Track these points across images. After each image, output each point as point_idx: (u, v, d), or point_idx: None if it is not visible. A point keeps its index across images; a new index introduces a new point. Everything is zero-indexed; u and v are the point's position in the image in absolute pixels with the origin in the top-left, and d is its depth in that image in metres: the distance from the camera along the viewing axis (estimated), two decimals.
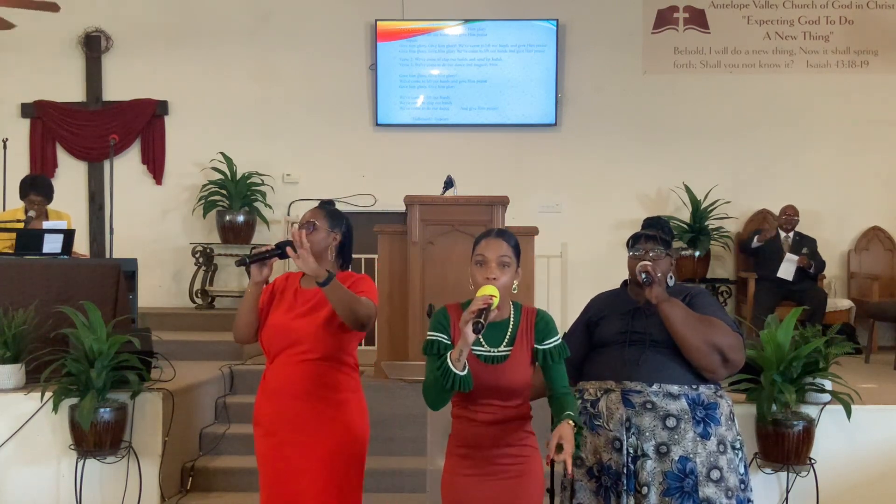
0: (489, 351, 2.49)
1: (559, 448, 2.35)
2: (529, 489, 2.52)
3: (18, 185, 5.98)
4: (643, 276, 2.79)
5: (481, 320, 2.31)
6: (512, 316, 2.55)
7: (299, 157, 7.95)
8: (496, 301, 2.38)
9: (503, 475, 2.49)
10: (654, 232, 2.95)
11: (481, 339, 2.48)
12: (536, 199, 7.72)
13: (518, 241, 2.59)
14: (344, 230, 2.92)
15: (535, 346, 2.51)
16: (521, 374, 2.50)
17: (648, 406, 2.75)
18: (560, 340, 2.54)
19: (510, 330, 2.53)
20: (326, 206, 2.95)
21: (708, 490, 2.69)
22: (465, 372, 2.37)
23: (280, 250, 2.74)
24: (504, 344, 2.51)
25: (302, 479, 2.75)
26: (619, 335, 2.87)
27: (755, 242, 7.18)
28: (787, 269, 6.91)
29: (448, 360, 2.36)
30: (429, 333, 2.52)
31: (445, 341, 2.48)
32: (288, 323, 2.80)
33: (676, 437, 2.72)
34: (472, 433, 2.51)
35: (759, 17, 7.90)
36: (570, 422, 2.41)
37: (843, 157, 7.80)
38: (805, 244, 7.09)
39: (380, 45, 7.88)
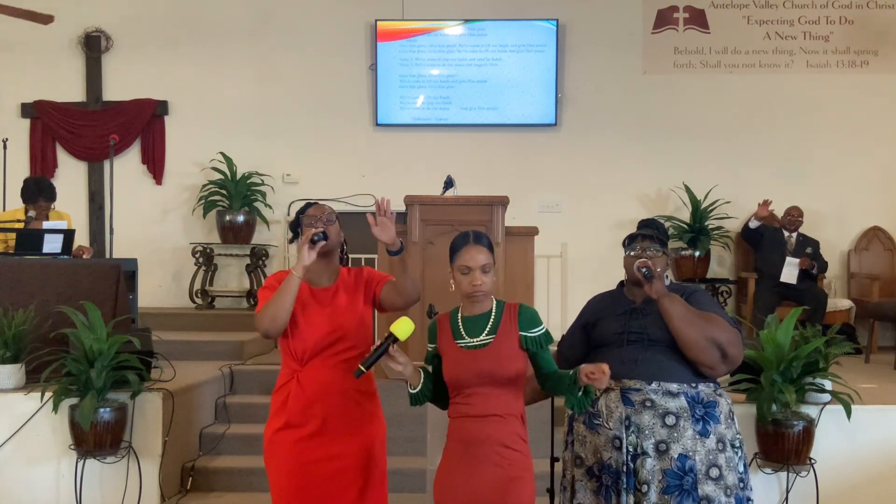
0: (470, 341, 2.59)
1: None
2: (520, 491, 2.52)
3: (22, 187, 5.98)
4: (644, 270, 2.80)
5: (362, 368, 2.54)
6: (493, 309, 2.63)
7: (299, 157, 7.95)
8: (406, 332, 2.52)
9: (493, 476, 2.51)
10: (651, 231, 2.96)
11: (462, 331, 2.62)
12: (536, 199, 7.72)
13: (490, 240, 2.70)
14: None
15: (521, 332, 2.59)
16: (507, 358, 2.55)
17: (648, 404, 2.76)
18: (545, 329, 2.64)
19: (492, 320, 2.61)
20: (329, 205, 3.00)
21: (707, 488, 2.70)
22: (416, 389, 2.63)
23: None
24: (486, 333, 2.60)
25: (342, 479, 2.78)
26: (618, 335, 2.88)
27: (753, 222, 7.21)
28: (789, 273, 6.92)
29: (408, 386, 2.62)
30: (429, 346, 2.71)
31: (434, 352, 2.69)
32: (327, 322, 2.80)
33: (676, 434, 2.73)
34: (466, 428, 2.54)
35: (759, 17, 7.90)
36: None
37: (843, 157, 7.80)
38: (808, 245, 7.10)
39: (380, 45, 7.88)
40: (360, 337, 2.83)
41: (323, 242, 2.74)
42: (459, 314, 2.66)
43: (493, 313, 2.62)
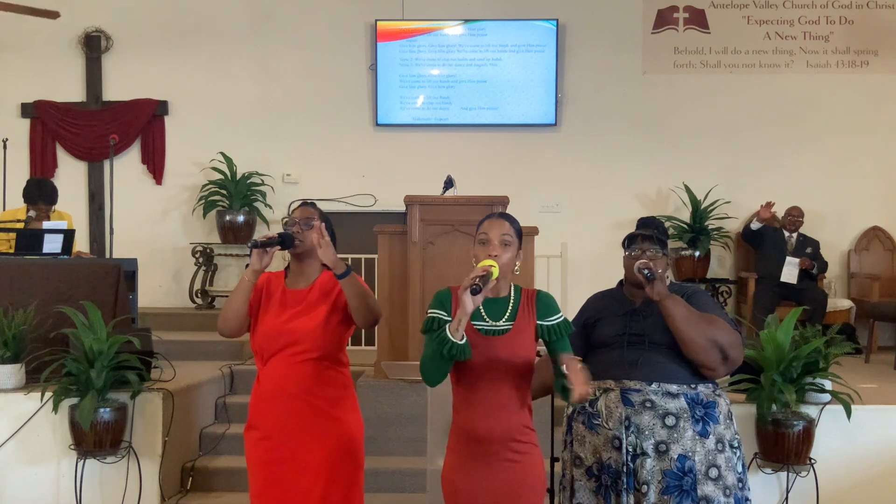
0: (491, 325, 2.53)
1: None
2: (529, 485, 2.52)
3: (24, 188, 5.99)
4: (645, 272, 2.77)
5: (479, 284, 2.35)
6: (512, 294, 2.59)
7: (299, 157, 7.95)
8: (496, 272, 2.43)
9: (503, 470, 2.49)
10: (651, 231, 2.95)
11: (483, 313, 2.54)
12: (536, 199, 7.72)
13: (520, 227, 2.63)
14: (330, 231, 2.94)
15: (539, 322, 2.55)
16: (522, 348, 2.51)
17: (648, 405, 2.76)
18: (563, 317, 2.58)
19: (510, 306, 2.57)
20: (316, 207, 2.96)
21: (707, 488, 2.70)
22: (463, 341, 2.40)
23: (284, 239, 2.72)
24: (505, 319, 2.55)
25: (302, 480, 2.75)
26: (618, 336, 2.87)
27: (754, 223, 7.20)
28: (789, 273, 6.92)
29: (447, 329, 2.40)
30: (429, 311, 2.56)
31: (445, 317, 2.51)
32: (284, 323, 2.79)
33: (675, 435, 2.73)
34: (473, 419, 2.50)
35: (759, 17, 7.90)
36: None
37: (844, 157, 7.81)
38: (808, 245, 7.11)
39: (380, 45, 7.88)
40: (316, 341, 2.76)
41: (275, 248, 2.73)
42: None
43: (512, 298, 2.58)
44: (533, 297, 2.60)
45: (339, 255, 2.92)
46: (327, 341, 2.79)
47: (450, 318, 2.50)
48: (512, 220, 2.60)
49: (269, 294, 2.86)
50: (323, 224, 2.75)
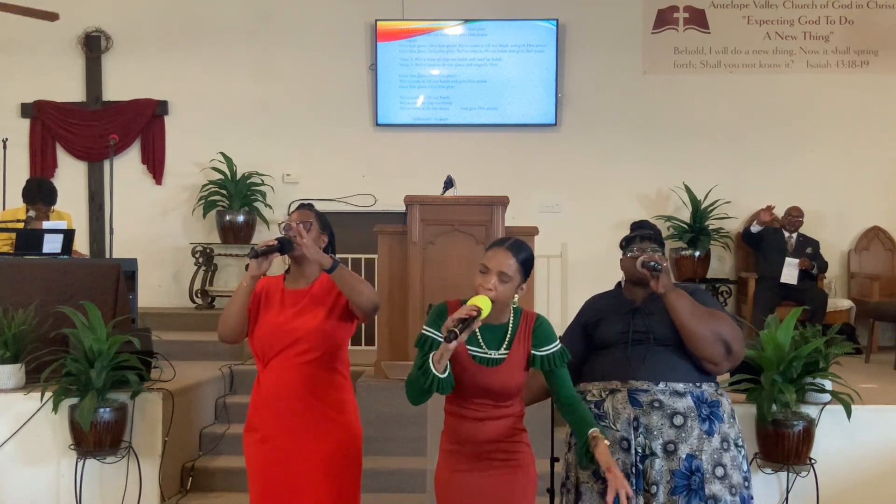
0: (486, 353, 2.50)
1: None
2: (521, 484, 2.52)
3: (23, 188, 5.99)
4: (651, 264, 2.76)
5: (455, 330, 2.29)
6: (511, 320, 2.54)
7: (299, 157, 7.95)
8: (485, 311, 2.37)
9: (495, 470, 2.50)
10: (649, 231, 2.95)
11: (479, 339, 2.49)
12: (536, 199, 7.72)
13: (531, 257, 2.54)
14: (329, 232, 2.95)
15: (533, 351, 2.51)
16: (515, 378, 2.50)
17: (656, 405, 2.75)
18: (560, 346, 2.55)
19: (509, 333, 2.53)
20: (313, 208, 2.96)
21: (714, 487, 2.70)
22: (445, 374, 2.36)
23: (283, 244, 2.74)
24: (502, 347, 2.51)
25: (302, 482, 2.74)
26: (622, 335, 2.87)
27: (754, 226, 7.20)
28: (789, 274, 6.92)
29: (430, 359, 2.36)
30: (424, 328, 2.51)
31: (439, 338, 2.45)
32: (285, 323, 2.78)
33: (683, 434, 2.72)
34: (464, 429, 2.51)
35: (759, 17, 7.90)
36: (604, 439, 2.46)
37: (843, 157, 7.80)
38: (808, 245, 7.11)
39: (380, 45, 7.88)
40: (317, 341, 2.76)
41: (276, 254, 2.73)
42: None
43: (511, 325, 2.53)
44: (531, 323, 2.54)
45: (340, 256, 2.93)
46: (327, 341, 2.78)
47: (442, 340, 2.43)
48: (519, 252, 2.49)
49: (268, 297, 2.85)
50: (300, 226, 2.74)
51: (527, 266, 2.51)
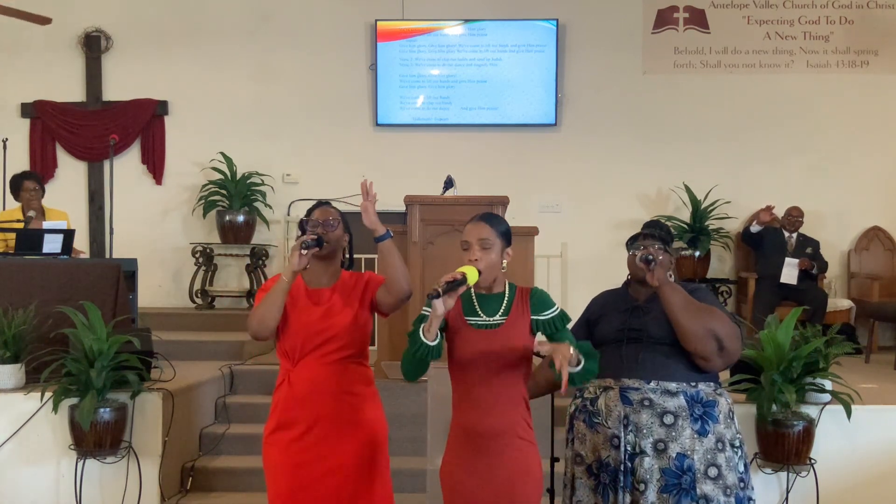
0: (485, 320, 2.59)
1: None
2: (527, 481, 2.54)
3: (10, 183, 6.00)
4: (647, 257, 2.78)
5: (439, 290, 2.41)
6: (507, 291, 2.64)
7: (299, 157, 7.95)
8: (472, 278, 2.48)
9: (501, 464, 2.52)
10: (653, 231, 2.96)
11: (477, 308, 2.60)
12: (536, 199, 7.72)
13: (504, 221, 2.67)
14: (347, 230, 2.98)
15: (533, 317, 2.59)
16: (516, 340, 2.55)
17: (646, 403, 2.76)
18: (560, 310, 2.62)
19: (505, 301, 2.61)
20: (333, 206, 2.97)
21: (706, 487, 2.70)
22: (434, 342, 2.48)
23: (319, 241, 2.74)
24: (499, 314, 2.59)
25: (332, 481, 2.75)
26: (617, 332, 2.88)
27: (754, 226, 7.20)
28: (789, 274, 6.92)
29: (420, 330, 2.48)
30: (423, 308, 2.60)
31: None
32: (318, 321, 2.79)
33: (674, 433, 2.73)
34: (472, 421, 2.53)
35: (759, 17, 7.90)
36: (571, 347, 2.43)
37: (843, 157, 7.80)
38: (808, 245, 7.11)
39: (380, 45, 7.88)
40: (351, 338, 2.80)
41: (316, 249, 2.74)
42: (473, 290, 2.62)
43: (507, 295, 2.62)
44: (527, 293, 2.64)
45: None
46: (359, 338, 2.84)
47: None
48: (493, 221, 2.64)
49: (291, 296, 2.83)
50: (370, 182, 2.82)
51: (502, 230, 2.63)
